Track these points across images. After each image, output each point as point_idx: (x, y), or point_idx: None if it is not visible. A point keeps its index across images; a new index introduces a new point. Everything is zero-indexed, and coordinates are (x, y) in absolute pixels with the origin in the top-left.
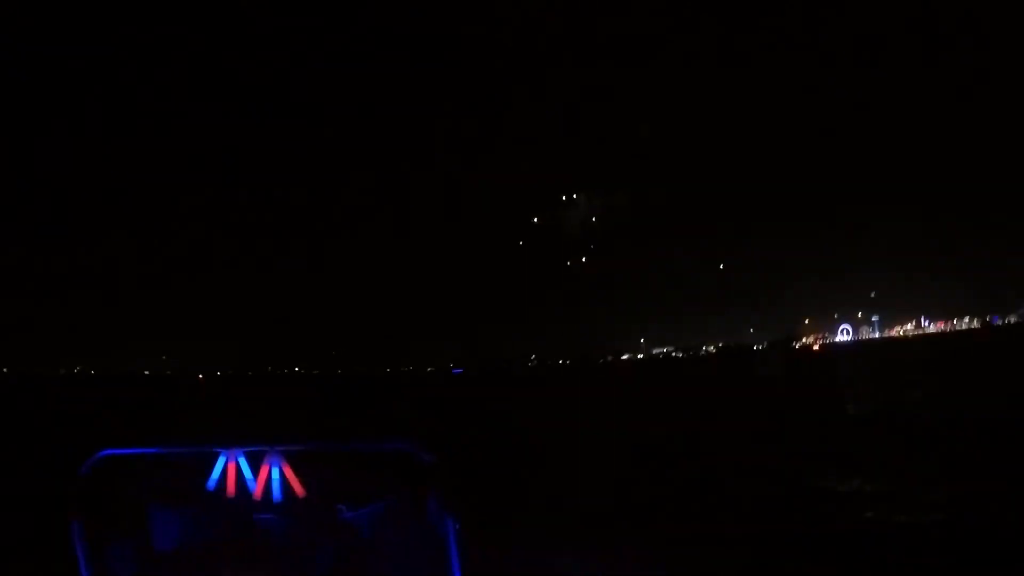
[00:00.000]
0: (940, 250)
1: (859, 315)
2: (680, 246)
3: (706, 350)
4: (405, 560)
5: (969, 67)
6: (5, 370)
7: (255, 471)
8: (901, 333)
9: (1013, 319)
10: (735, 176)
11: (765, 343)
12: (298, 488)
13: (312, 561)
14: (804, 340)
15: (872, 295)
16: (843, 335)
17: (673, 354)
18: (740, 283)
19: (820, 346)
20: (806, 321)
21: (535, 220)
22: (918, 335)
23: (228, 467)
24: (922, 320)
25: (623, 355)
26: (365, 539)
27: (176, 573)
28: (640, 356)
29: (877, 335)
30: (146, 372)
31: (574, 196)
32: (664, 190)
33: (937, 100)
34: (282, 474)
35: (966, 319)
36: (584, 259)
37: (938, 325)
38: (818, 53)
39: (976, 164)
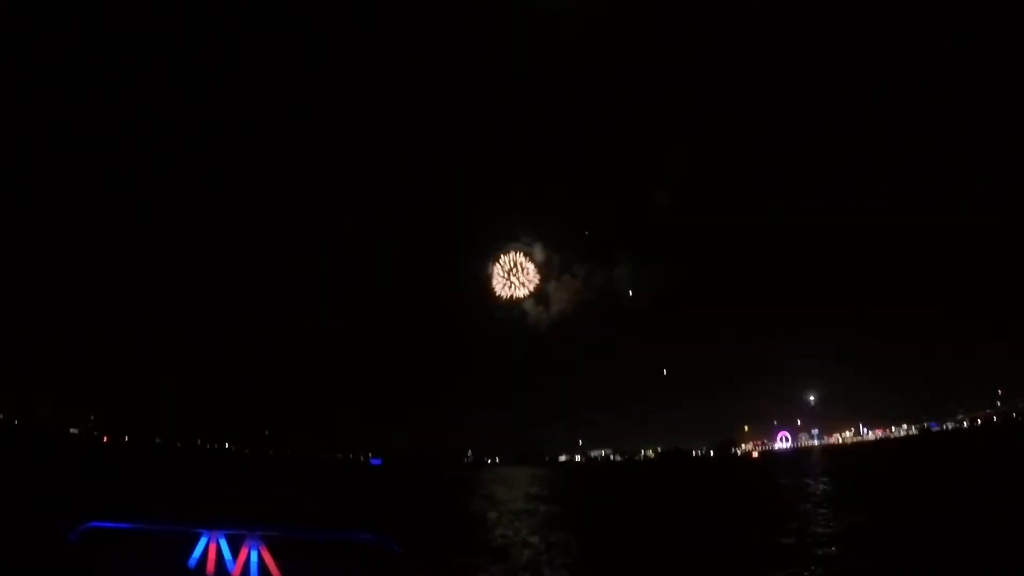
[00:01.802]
0: (879, 358)
1: (798, 422)
2: (625, 348)
3: (644, 454)
4: None
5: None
6: None
7: (235, 553)
8: (840, 440)
9: (950, 426)
10: (677, 286)
11: (704, 448)
12: (275, 572)
13: None
14: (743, 446)
15: (811, 400)
16: (782, 442)
17: (611, 457)
18: (681, 387)
19: (759, 453)
20: (745, 428)
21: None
22: (857, 442)
23: (209, 548)
24: (861, 428)
25: (561, 456)
26: None
27: None
28: (579, 458)
29: (816, 443)
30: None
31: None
32: (606, 290)
33: (882, 215)
34: (260, 558)
35: (904, 426)
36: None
37: (876, 432)
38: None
39: (915, 274)
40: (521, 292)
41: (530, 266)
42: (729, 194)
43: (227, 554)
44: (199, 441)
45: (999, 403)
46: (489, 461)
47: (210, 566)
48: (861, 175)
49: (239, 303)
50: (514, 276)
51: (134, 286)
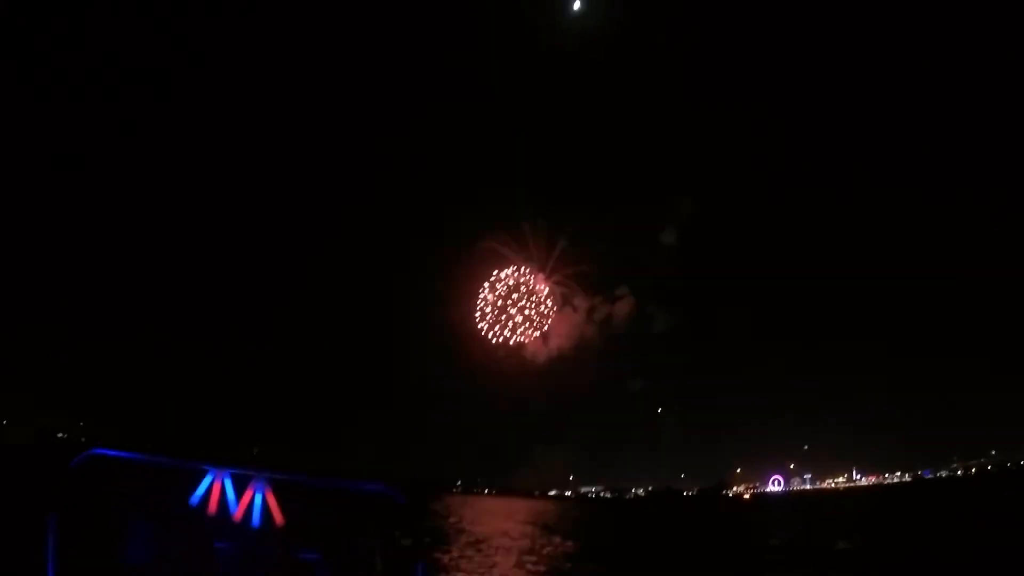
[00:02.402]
0: (873, 405)
1: (791, 466)
2: (617, 383)
3: (635, 492)
4: None
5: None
6: None
7: (239, 493)
8: (833, 485)
9: (944, 473)
10: (678, 326)
11: (696, 489)
12: (278, 516)
13: None
14: (735, 488)
15: (805, 448)
16: (774, 486)
17: (601, 494)
18: (675, 427)
19: (751, 495)
20: (737, 470)
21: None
22: (849, 487)
23: (214, 485)
24: (854, 473)
25: (550, 491)
26: None
27: None
28: (568, 494)
29: (808, 487)
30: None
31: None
32: (606, 327)
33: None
34: (264, 500)
35: (898, 473)
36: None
37: (869, 478)
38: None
39: (906, 320)
40: (527, 332)
41: (542, 290)
42: (735, 237)
43: (231, 494)
44: (194, 469)
45: (994, 452)
46: (476, 491)
47: (213, 505)
48: (861, 222)
49: (228, 317)
50: (519, 307)
51: (123, 291)
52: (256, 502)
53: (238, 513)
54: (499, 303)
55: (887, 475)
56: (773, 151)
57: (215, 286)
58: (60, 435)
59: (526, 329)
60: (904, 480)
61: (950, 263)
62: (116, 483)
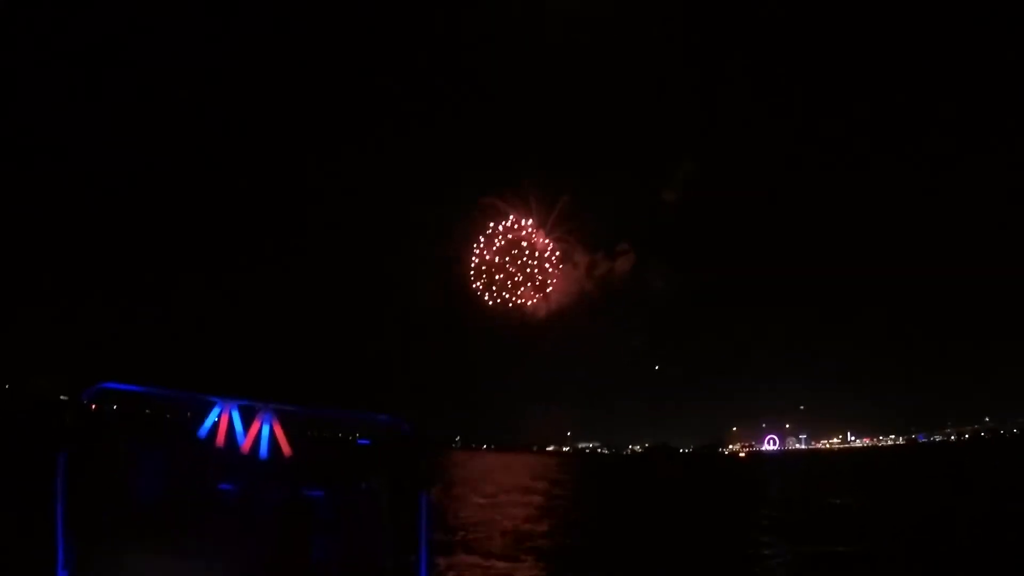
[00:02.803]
0: (870, 368)
1: (787, 426)
2: (616, 340)
3: (631, 449)
4: (362, 542)
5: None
6: None
7: (246, 425)
8: (828, 446)
9: (938, 438)
10: (679, 284)
11: (692, 447)
12: (286, 448)
13: (267, 541)
14: (731, 447)
15: (800, 408)
16: (769, 445)
17: (599, 450)
18: (672, 384)
19: (747, 454)
20: (734, 428)
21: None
22: (843, 448)
23: (221, 418)
24: (848, 435)
25: (548, 447)
26: (325, 520)
27: (143, 531)
28: (566, 449)
29: (803, 447)
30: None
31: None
32: (607, 283)
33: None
34: (272, 432)
35: (891, 436)
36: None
37: (864, 441)
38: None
39: (902, 284)
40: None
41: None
42: (737, 197)
43: (239, 426)
44: (188, 415)
45: (987, 419)
46: (474, 446)
47: (220, 437)
48: (866, 189)
49: (225, 273)
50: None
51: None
52: (264, 433)
53: (246, 445)
54: (497, 260)
55: (881, 438)
56: (775, 115)
57: (231, 224)
58: (63, 397)
59: (526, 288)
60: (898, 443)
61: (949, 238)
62: (124, 418)
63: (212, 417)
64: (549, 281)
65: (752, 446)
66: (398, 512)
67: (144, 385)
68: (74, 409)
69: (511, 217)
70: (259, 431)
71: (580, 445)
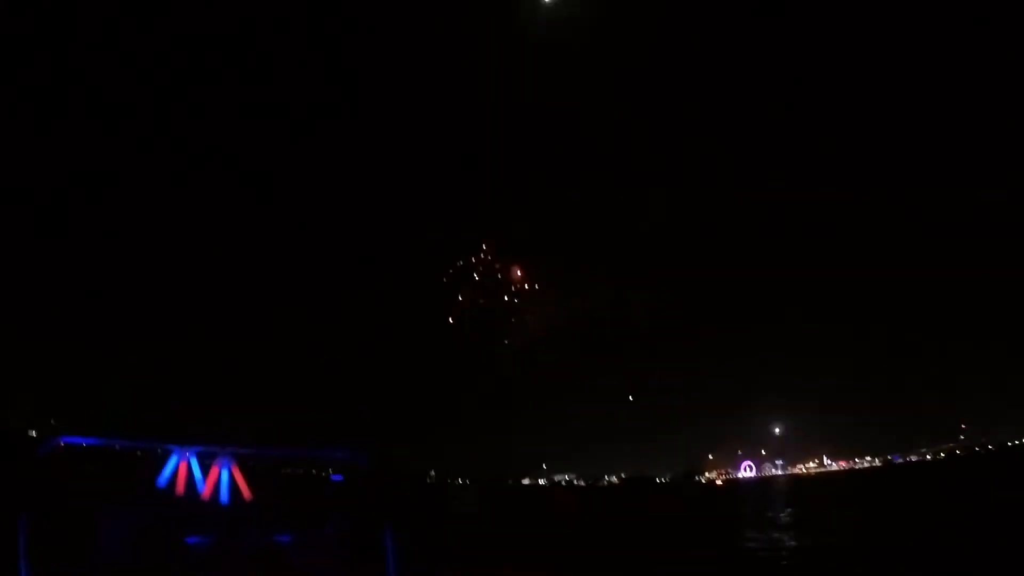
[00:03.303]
0: (845, 391)
1: (763, 452)
2: (591, 373)
3: (608, 479)
4: None
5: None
6: None
7: (205, 472)
8: (804, 471)
9: (914, 458)
10: (652, 314)
11: (668, 476)
12: (246, 491)
13: None
14: (707, 475)
15: (776, 431)
16: (746, 471)
17: (575, 481)
18: (646, 414)
19: (723, 481)
20: (710, 456)
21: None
22: (820, 473)
23: (180, 466)
24: (824, 459)
25: (524, 479)
26: (297, 567)
27: None
28: (541, 482)
29: (780, 472)
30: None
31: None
32: (577, 314)
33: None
34: (231, 476)
35: (867, 458)
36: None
37: (840, 464)
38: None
39: (879, 305)
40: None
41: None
42: (711, 228)
43: (197, 473)
44: (159, 451)
45: (962, 437)
46: (449, 481)
47: (180, 485)
48: (830, 214)
49: (206, 314)
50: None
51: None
52: (223, 479)
53: (206, 491)
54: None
55: (857, 460)
56: (748, 142)
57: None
58: (31, 432)
59: (498, 317)
60: (874, 465)
61: (919, 252)
62: (84, 473)
63: (171, 466)
64: (525, 314)
65: (728, 473)
66: (366, 549)
67: (101, 437)
68: (33, 466)
69: (483, 247)
70: (218, 477)
71: (556, 477)
